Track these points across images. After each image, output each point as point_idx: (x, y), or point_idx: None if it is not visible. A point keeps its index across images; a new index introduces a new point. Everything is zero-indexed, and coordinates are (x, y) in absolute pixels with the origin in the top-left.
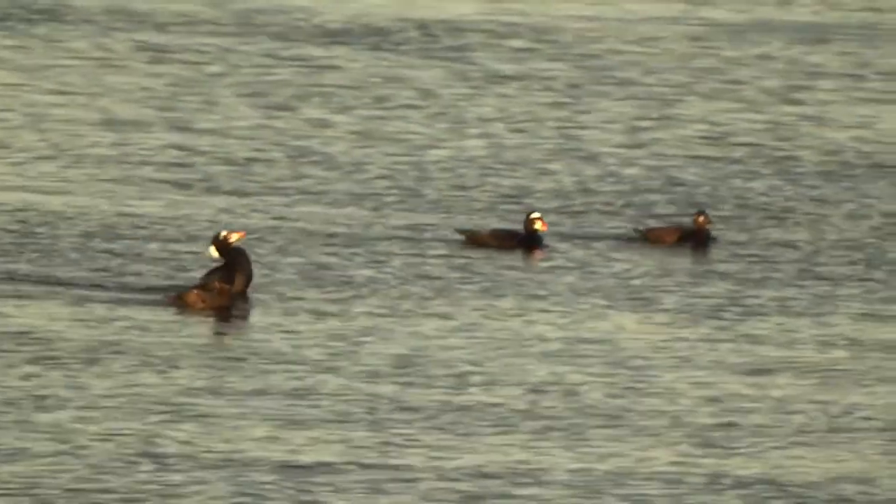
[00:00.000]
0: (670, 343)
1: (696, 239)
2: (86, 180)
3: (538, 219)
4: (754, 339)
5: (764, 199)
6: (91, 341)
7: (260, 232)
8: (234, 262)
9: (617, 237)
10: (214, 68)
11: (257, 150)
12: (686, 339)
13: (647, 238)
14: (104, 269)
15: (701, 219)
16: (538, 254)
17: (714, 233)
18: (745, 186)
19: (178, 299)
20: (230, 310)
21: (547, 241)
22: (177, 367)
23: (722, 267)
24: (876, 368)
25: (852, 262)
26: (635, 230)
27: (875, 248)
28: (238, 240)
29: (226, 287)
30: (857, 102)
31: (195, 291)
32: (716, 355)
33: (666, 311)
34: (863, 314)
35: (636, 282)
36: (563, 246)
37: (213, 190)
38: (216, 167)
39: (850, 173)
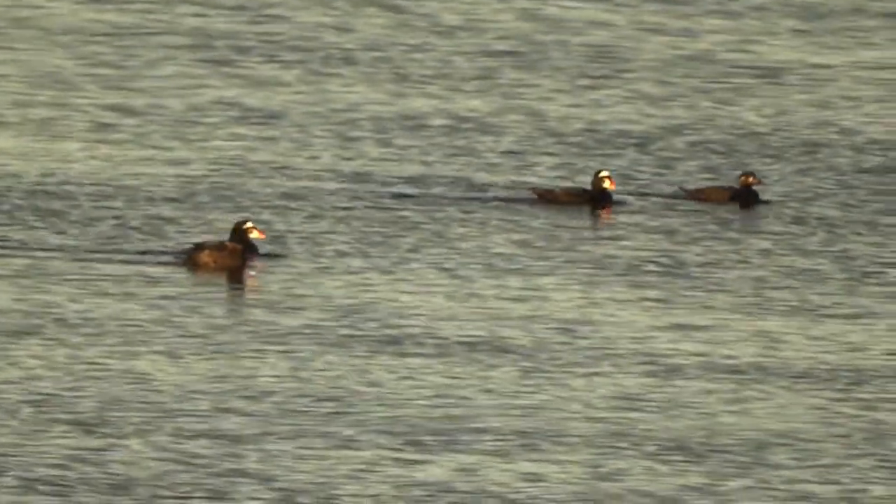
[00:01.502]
0: (600, 301)
1: (743, 198)
2: (21, 138)
3: (607, 177)
4: (686, 297)
5: (718, 157)
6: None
7: (203, 187)
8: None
9: (666, 196)
10: (159, 18)
11: (197, 108)
12: (625, 300)
13: (696, 198)
14: (33, 230)
15: (750, 179)
16: (607, 211)
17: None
18: (692, 141)
19: (189, 260)
20: (241, 270)
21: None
22: (101, 332)
23: (653, 222)
24: (806, 327)
25: (793, 220)
26: (681, 188)
27: (816, 204)
28: (256, 237)
29: (237, 247)
30: (811, 55)
31: (207, 251)
32: (648, 314)
33: (598, 271)
34: (799, 274)
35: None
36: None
37: (148, 147)
38: (153, 125)
39: (800, 132)
